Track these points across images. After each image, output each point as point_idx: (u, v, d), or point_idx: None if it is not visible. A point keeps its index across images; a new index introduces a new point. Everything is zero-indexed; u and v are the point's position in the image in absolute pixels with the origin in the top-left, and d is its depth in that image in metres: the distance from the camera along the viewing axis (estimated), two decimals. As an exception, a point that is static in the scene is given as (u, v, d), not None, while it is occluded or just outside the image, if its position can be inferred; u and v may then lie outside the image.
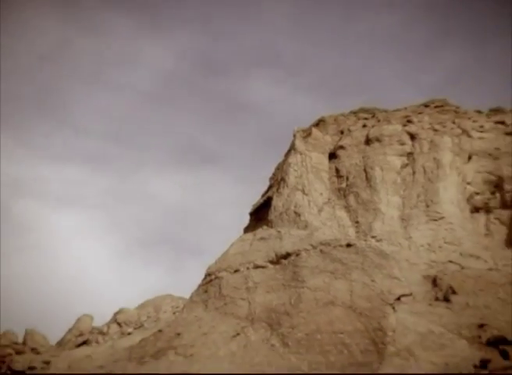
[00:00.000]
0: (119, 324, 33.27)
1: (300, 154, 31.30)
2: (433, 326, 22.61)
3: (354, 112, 35.00)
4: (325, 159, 32.29)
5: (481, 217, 30.14)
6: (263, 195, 32.98)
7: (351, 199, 30.57)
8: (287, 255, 26.18)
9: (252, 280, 25.97)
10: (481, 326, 22.30)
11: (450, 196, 29.77)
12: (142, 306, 35.36)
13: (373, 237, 28.34)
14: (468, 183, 30.80)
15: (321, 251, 25.59)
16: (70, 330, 33.24)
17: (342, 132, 33.70)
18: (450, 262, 26.83)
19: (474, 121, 32.83)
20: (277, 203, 29.83)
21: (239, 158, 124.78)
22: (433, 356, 21.00)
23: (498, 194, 30.39)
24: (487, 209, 30.29)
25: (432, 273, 25.96)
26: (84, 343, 31.62)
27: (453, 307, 23.87)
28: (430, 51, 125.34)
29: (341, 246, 25.66)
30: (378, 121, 33.20)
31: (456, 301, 24.14)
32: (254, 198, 33.60)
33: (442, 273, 25.73)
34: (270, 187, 32.94)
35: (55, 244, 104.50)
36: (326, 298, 23.78)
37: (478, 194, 30.62)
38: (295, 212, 28.90)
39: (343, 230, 28.87)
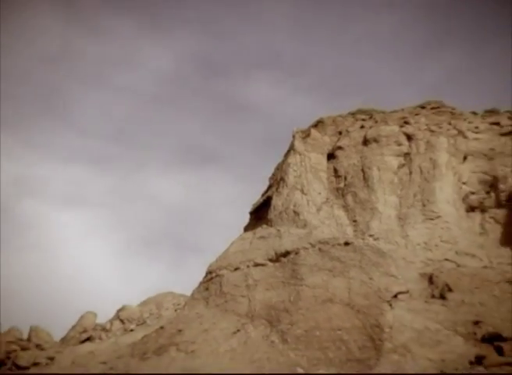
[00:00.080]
0: (121, 321, 33.26)
1: (299, 154, 31.29)
2: (429, 323, 22.61)
3: (352, 114, 35.01)
4: (323, 159, 32.29)
5: (477, 216, 30.13)
6: (263, 195, 32.97)
7: (349, 199, 30.58)
8: (286, 254, 26.18)
9: (252, 277, 25.97)
10: (476, 323, 22.30)
11: (446, 196, 29.77)
12: (144, 303, 35.37)
13: (370, 235, 28.34)
14: (464, 183, 30.80)
15: (319, 249, 25.58)
16: (74, 327, 33.25)
17: (340, 133, 33.70)
18: (446, 260, 26.83)
19: (469, 122, 32.83)
20: (277, 202, 29.82)
21: (239, 158, 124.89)
22: (429, 352, 21.00)
23: (493, 194, 30.37)
24: (482, 209, 30.28)
25: (429, 271, 25.96)
26: (88, 339, 31.63)
27: (449, 304, 23.87)
28: (428, 52, 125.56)
29: (339, 244, 25.65)
30: (376, 122, 33.20)
31: (452, 299, 24.14)
32: (254, 197, 33.63)
33: (438, 271, 25.73)
34: (270, 187, 32.93)
35: (58, 243, 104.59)
36: (325, 296, 23.78)
37: (473, 193, 30.61)
38: (294, 212, 28.90)
39: (341, 229, 28.86)
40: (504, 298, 23.93)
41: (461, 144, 31.61)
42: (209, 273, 27.73)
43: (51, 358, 26.56)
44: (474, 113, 33.91)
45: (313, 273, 24.70)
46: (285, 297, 24.41)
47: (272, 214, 29.51)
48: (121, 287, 77.32)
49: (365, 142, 32.13)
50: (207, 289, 26.94)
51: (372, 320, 22.45)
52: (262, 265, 26.41)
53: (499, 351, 20.32)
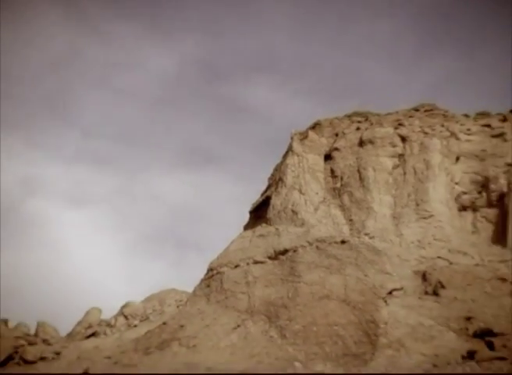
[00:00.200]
0: (125, 317, 33.23)
1: (298, 155, 31.26)
2: (423, 318, 22.61)
3: (348, 116, 34.96)
4: (320, 160, 32.26)
5: (469, 215, 30.13)
6: (262, 194, 32.93)
7: (345, 198, 30.56)
8: (285, 251, 26.16)
9: (252, 274, 25.96)
10: (468, 318, 22.30)
11: (439, 195, 29.76)
12: (147, 300, 35.32)
13: (366, 234, 28.33)
14: (456, 183, 30.79)
15: (317, 247, 25.57)
16: (80, 323, 33.22)
17: (337, 134, 33.67)
18: (439, 258, 26.82)
19: (461, 124, 32.81)
20: (275, 202, 29.80)
21: (239, 159, 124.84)
22: (423, 347, 21.01)
23: (484, 194, 30.37)
24: (474, 208, 30.28)
25: (422, 269, 25.95)
26: (93, 335, 31.58)
27: (442, 301, 23.87)
28: (423, 55, 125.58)
29: (336, 243, 25.64)
30: (371, 124, 33.16)
31: (444, 295, 24.14)
32: (254, 197, 33.59)
33: (431, 269, 25.73)
34: (269, 187, 32.90)
35: (64, 242, 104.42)
36: (322, 292, 23.77)
37: (465, 193, 30.61)
38: (292, 211, 28.88)
39: (338, 228, 28.84)
40: (495, 295, 23.93)
41: (454, 146, 31.60)
42: (210, 270, 27.71)
43: (58, 353, 26.52)
44: (466, 116, 33.88)
45: (310, 271, 24.69)
46: (283, 293, 24.40)
47: (271, 213, 29.48)
48: (125, 284, 77.30)
49: (361, 144, 32.11)
50: (208, 286, 26.93)
51: (368, 316, 22.45)
52: (261, 262, 26.39)
53: (491, 346, 20.34)
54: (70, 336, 32.25)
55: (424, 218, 28.86)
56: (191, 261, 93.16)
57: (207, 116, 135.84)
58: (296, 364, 21.41)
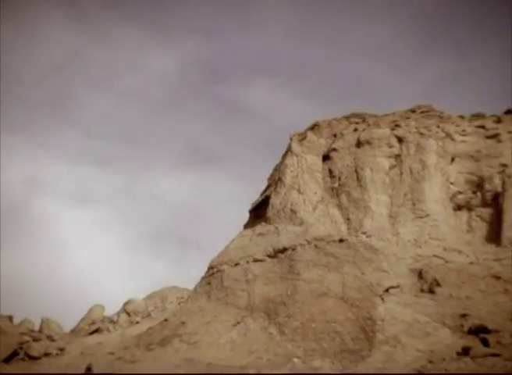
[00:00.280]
0: (128, 314, 33.22)
1: (296, 156, 31.25)
2: (419, 315, 22.62)
3: (346, 117, 34.92)
4: (319, 161, 32.23)
5: (464, 215, 30.14)
6: (262, 194, 32.91)
7: (343, 198, 30.55)
8: (284, 250, 26.15)
9: (251, 272, 25.95)
10: (463, 316, 22.31)
11: (435, 195, 29.76)
12: (149, 297, 35.31)
13: (363, 233, 28.32)
14: (451, 183, 30.79)
15: (315, 246, 25.57)
16: (83, 319, 33.19)
17: (335, 135, 33.63)
18: (435, 256, 26.83)
19: (457, 125, 32.79)
20: (275, 201, 29.79)
21: (239, 160, 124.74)
22: (419, 344, 21.02)
23: (479, 194, 30.37)
24: (469, 207, 30.28)
25: (418, 267, 25.97)
26: (96, 331, 31.56)
27: (438, 298, 23.88)
28: (420, 58, 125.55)
29: (334, 241, 25.64)
30: (369, 125, 33.13)
31: (440, 293, 24.16)
32: (254, 196, 33.56)
33: (427, 267, 25.75)
34: (268, 187, 32.88)
35: (67, 240, 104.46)
36: (320, 290, 23.78)
37: (460, 193, 30.61)
38: (291, 210, 28.87)
39: (336, 227, 28.84)
40: (489, 293, 23.96)
41: (449, 147, 31.59)
42: (211, 268, 27.71)
43: (62, 349, 26.49)
44: (462, 117, 33.85)
45: (309, 269, 24.69)
46: (282, 291, 24.40)
47: (270, 212, 29.47)
48: (127, 282, 77.27)
49: (358, 144, 32.09)
50: (209, 283, 26.92)
51: (365, 313, 22.46)
52: (261, 260, 26.39)
53: (485, 343, 20.33)
54: (74, 332, 32.22)
55: (421, 217, 28.86)
56: (192, 259, 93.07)
57: (207, 117, 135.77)
58: (295, 360, 21.41)
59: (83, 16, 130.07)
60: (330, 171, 31.89)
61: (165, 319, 26.01)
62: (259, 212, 31.04)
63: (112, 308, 34.52)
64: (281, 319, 23.25)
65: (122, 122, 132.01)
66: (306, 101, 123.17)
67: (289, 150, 31.82)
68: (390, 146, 31.76)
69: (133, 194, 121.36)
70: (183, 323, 24.68)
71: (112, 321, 32.73)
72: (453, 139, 31.88)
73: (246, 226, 31.45)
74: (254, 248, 27.23)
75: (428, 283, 24.72)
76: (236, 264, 26.76)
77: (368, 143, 31.88)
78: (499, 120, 32.67)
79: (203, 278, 27.78)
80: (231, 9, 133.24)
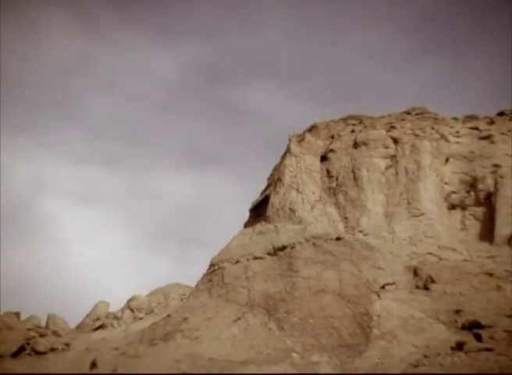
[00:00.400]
0: (131, 310, 33.19)
1: (295, 156, 31.22)
2: (414, 311, 22.59)
3: (343, 119, 34.86)
4: (317, 161, 32.18)
5: (458, 213, 30.09)
6: (261, 193, 32.88)
7: (340, 197, 30.50)
8: (283, 248, 26.13)
9: (251, 270, 25.93)
10: (457, 311, 22.28)
11: (430, 194, 29.71)
12: (153, 293, 35.29)
13: (360, 231, 28.28)
14: (446, 183, 30.73)
15: (313, 244, 25.54)
16: (88, 315, 33.16)
17: (332, 137, 33.58)
18: (429, 254, 26.78)
19: (451, 127, 32.74)
20: (274, 201, 29.76)
21: (240, 160, 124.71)
22: (414, 339, 21.00)
23: (472, 193, 30.33)
24: (463, 206, 30.24)
25: (413, 264, 25.91)
26: (100, 327, 31.54)
27: (432, 295, 23.84)
28: (415, 62, 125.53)
29: (331, 239, 25.62)
30: (365, 127, 33.09)
31: (434, 290, 24.11)
32: (254, 195, 33.51)
33: (422, 264, 25.70)
34: (268, 186, 32.85)
35: (73, 238, 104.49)
36: (318, 287, 23.76)
37: (454, 192, 30.56)
38: (290, 209, 28.84)
39: (333, 225, 28.80)
40: (483, 289, 23.92)
41: (443, 147, 31.54)
42: (212, 265, 27.68)
43: (67, 344, 26.47)
44: (455, 119, 33.79)
45: (307, 266, 24.67)
46: (281, 287, 24.38)
47: (269, 211, 29.45)
48: (131, 279, 77.22)
49: (355, 145, 32.04)
50: (210, 280, 26.90)
51: (362, 309, 22.44)
52: (261, 258, 26.37)
53: (478, 338, 20.31)
54: (79, 328, 32.20)
55: (416, 216, 28.82)
56: (194, 257, 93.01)
57: (209, 119, 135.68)
58: (294, 355, 21.40)
59: (89, 21, 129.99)
60: (328, 171, 31.85)
61: (168, 315, 25.99)
62: (259, 211, 31.01)
63: (116, 304, 34.54)
64: (280, 315, 23.23)
65: (126, 123, 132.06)
66: (304, 104, 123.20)
67: (288, 151, 31.80)
68: (386, 147, 31.71)
69: (137, 194, 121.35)
70: (185, 318, 24.66)
71: (116, 317, 32.71)
72: (447, 140, 31.83)
73: (246, 225, 31.42)
74: (254, 246, 27.21)
75: (423, 280, 24.68)
76: (237, 261, 26.74)
77: (365, 144, 31.83)
78: (491, 122, 32.63)
79: (204, 275, 27.75)
80: (231, 10, 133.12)
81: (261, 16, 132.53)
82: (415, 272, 25.33)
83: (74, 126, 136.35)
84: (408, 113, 33.79)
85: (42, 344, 25.82)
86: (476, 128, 32.49)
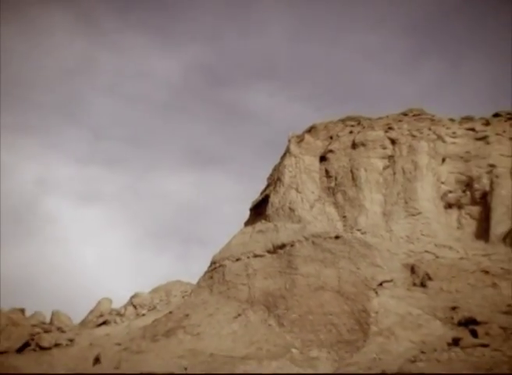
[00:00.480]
0: (134, 306, 33.16)
1: (295, 157, 31.22)
2: (411, 308, 22.58)
3: (342, 120, 34.82)
4: (316, 162, 32.18)
5: (454, 212, 30.07)
6: (261, 193, 32.87)
7: (339, 197, 30.49)
8: (283, 246, 26.13)
9: (252, 267, 25.94)
10: (453, 308, 22.27)
11: (426, 194, 29.70)
12: (155, 291, 35.25)
13: (358, 230, 28.28)
14: (442, 183, 30.72)
15: (312, 242, 25.55)
16: (92, 312, 33.14)
17: (331, 137, 33.55)
18: (426, 252, 26.78)
19: (447, 128, 32.71)
20: (274, 200, 29.76)
21: (240, 160, 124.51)
22: (411, 335, 20.99)
23: (468, 192, 30.32)
24: (459, 206, 30.22)
25: (411, 262, 25.91)
26: (104, 323, 31.50)
27: (429, 292, 23.84)
28: (412, 63, 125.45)
29: (330, 238, 25.62)
30: (363, 128, 33.07)
31: (431, 287, 24.11)
32: (254, 195, 33.49)
33: (419, 262, 25.70)
34: (268, 186, 32.84)
35: (77, 237, 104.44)
36: (317, 284, 23.77)
37: (451, 192, 30.54)
38: (290, 208, 28.84)
39: (332, 224, 28.80)
40: (478, 286, 23.93)
41: (440, 148, 31.53)
42: (213, 263, 27.68)
43: (71, 340, 26.49)
44: (452, 120, 33.76)
45: (306, 264, 24.68)
46: (281, 285, 24.39)
47: (269, 210, 29.45)
48: (134, 276, 77.16)
49: (354, 146, 32.03)
50: (211, 278, 26.90)
51: (360, 306, 22.44)
52: (261, 256, 26.37)
53: (474, 334, 20.32)
54: (83, 324, 32.18)
55: (413, 215, 28.82)
56: (195, 255, 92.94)
57: (210, 120, 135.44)
58: (293, 350, 21.40)
59: (90, 21, 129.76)
60: (327, 171, 31.83)
61: (170, 312, 26.01)
62: (259, 211, 31.01)
63: (119, 301, 34.50)
64: (280, 311, 23.23)
65: (128, 124, 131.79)
66: (304, 105, 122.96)
67: (287, 151, 31.79)
68: (384, 148, 31.70)
69: (138, 194, 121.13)
70: (187, 315, 24.67)
71: (119, 313, 32.68)
72: (443, 141, 31.82)
73: (246, 224, 31.41)
74: (255, 244, 27.21)
75: (420, 278, 24.68)
76: (238, 259, 26.75)
77: (363, 145, 31.82)
78: (487, 123, 32.62)
79: (206, 273, 27.76)
80: (231, 11, 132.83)
81: (261, 17, 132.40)
82: (412, 269, 25.33)
83: (75, 126, 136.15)
84: (405, 114, 33.77)
85: (46, 340, 25.84)
86: (472, 129, 32.47)
